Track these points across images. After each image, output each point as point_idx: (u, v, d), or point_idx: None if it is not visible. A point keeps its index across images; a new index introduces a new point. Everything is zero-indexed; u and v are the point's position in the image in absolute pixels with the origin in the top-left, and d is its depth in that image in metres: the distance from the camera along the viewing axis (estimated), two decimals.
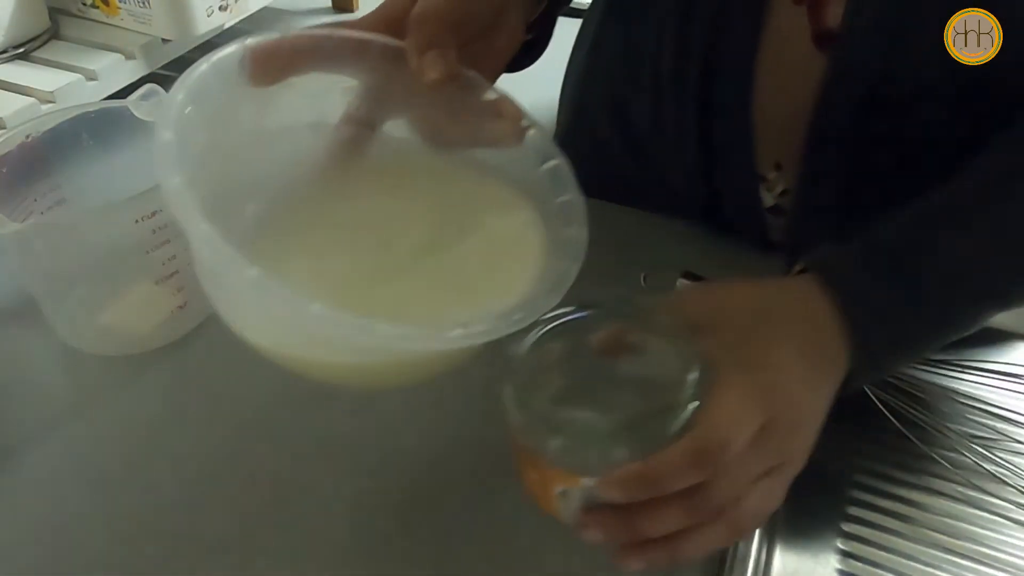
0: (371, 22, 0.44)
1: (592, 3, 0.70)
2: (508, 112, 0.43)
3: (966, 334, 0.45)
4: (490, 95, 0.44)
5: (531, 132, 0.43)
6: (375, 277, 0.40)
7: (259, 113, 0.41)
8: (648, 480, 0.36)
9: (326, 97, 0.43)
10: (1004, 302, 0.46)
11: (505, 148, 0.43)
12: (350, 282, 0.39)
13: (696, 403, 0.38)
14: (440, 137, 0.45)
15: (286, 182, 0.42)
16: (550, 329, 0.42)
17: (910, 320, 0.43)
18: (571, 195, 0.41)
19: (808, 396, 0.41)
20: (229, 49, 0.39)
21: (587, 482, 0.38)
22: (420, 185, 0.44)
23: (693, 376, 0.39)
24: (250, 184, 0.41)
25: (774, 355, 0.40)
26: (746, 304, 0.42)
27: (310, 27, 0.42)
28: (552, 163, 0.42)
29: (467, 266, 0.40)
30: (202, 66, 0.38)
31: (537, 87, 0.75)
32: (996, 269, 0.45)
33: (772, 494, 0.39)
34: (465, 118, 0.44)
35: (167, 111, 0.35)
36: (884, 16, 0.49)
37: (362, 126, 0.44)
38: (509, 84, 0.59)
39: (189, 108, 0.35)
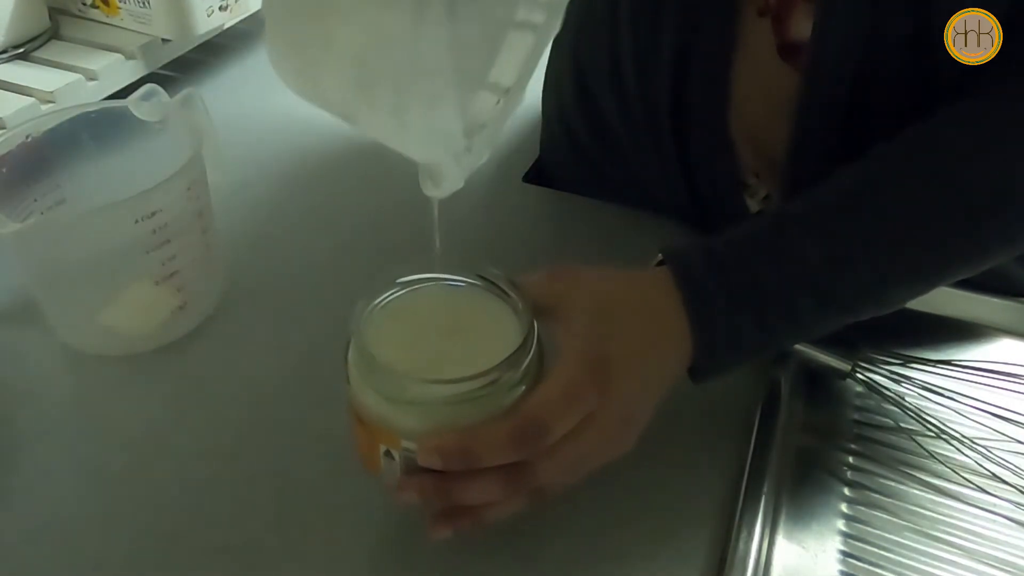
0: None
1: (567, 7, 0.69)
2: None
3: (819, 336, 0.44)
4: None
5: None
6: None
7: None
8: (467, 453, 0.37)
9: None
10: (850, 313, 0.45)
11: None
12: None
13: (526, 385, 0.39)
14: None
15: None
16: (415, 292, 0.43)
17: (752, 323, 0.43)
18: None
19: (641, 393, 0.41)
20: None
21: (407, 444, 0.39)
22: None
23: (532, 358, 0.40)
24: None
25: (615, 348, 0.40)
26: (596, 294, 0.43)
27: None
28: None
29: None
30: None
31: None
32: (845, 280, 0.43)
33: (579, 477, 0.40)
34: None
35: None
36: (854, 24, 0.48)
37: None
38: None
39: None
